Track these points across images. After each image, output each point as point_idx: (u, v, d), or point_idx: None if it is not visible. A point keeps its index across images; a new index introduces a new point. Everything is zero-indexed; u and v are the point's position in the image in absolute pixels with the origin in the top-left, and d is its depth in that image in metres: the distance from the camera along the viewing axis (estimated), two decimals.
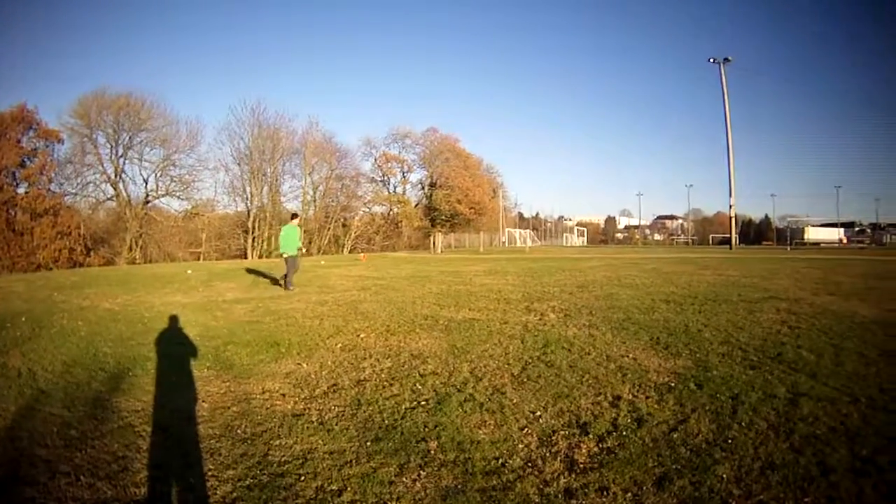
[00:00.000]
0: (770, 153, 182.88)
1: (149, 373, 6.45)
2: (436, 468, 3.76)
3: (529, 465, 3.87)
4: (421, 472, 3.72)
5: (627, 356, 6.89)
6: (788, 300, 11.89)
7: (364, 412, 4.95)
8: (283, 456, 4.07)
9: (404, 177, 74.10)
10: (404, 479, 3.64)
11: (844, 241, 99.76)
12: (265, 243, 54.84)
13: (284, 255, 15.43)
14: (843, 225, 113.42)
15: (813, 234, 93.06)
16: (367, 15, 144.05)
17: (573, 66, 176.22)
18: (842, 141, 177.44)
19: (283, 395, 5.59)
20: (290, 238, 15.69)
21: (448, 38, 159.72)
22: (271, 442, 4.35)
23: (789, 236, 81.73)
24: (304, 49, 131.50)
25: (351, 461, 3.90)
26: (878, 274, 18.94)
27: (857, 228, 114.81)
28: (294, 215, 17.01)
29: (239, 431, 4.63)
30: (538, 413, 4.91)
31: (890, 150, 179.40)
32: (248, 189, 55.59)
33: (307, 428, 4.62)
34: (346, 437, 4.36)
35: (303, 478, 3.72)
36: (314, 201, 63.48)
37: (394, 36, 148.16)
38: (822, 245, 76.31)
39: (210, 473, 3.88)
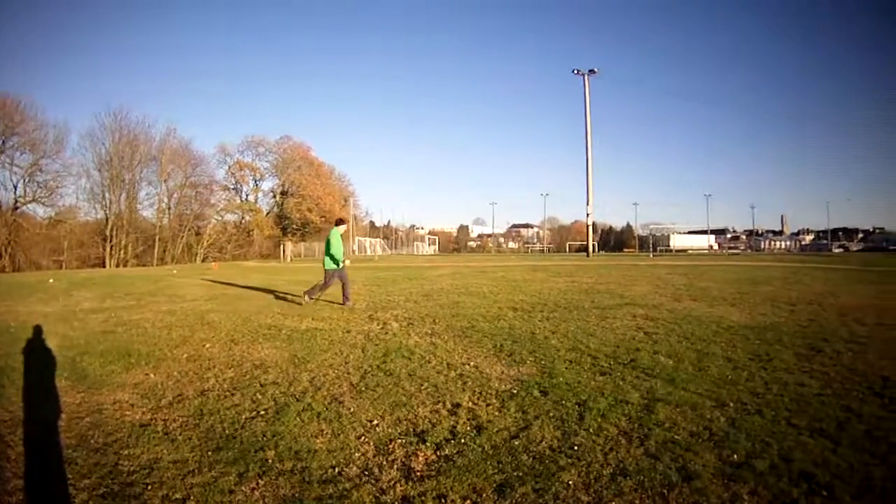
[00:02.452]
0: (634, 162, 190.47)
1: (14, 383, 6.14)
2: (273, 477, 3.72)
3: (366, 473, 3.83)
4: (259, 480, 3.68)
5: (469, 364, 6.91)
6: (646, 306, 12.15)
7: (206, 422, 4.80)
8: (132, 465, 3.93)
9: (256, 185, 74.59)
10: (243, 488, 3.57)
11: (716, 247, 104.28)
12: (122, 252, 53.63)
13: (337, 266, 13.20)
14: (714, 232, 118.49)
15: (679, 241, 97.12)
16: (236, 16, 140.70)
17: (428, 72, 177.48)
18: (717, 149, 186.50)
19: (132, 405, 5.36)
20: (339, 246, 13.47)
21: (306, 38, 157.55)
22: (121, 452, 4.19)
23: (652, 243, 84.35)
24: (171, 49, 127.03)
25: (194, 470, 3.79)
26: (751, 279, 19.97)
27: (729, 235, 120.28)
28: (341, 221, 14.36)
29: (92, 441, 4.48)
30: (375, 422, 4.87)
31: (761, 157, 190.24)
32: (107, 196, 54.02)
33: (153, 438, 4.45)
34: (189, 446, 4.23)
35: (150, 487, 3.60)
36: (169, 209, 61.74)
37: (250, 36, 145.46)
38: (689, 252, 78.88)
39: (70, 482, 3.77)
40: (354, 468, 3.90)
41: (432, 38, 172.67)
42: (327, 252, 13.25)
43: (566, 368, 6.64)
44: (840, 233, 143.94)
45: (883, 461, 4.02)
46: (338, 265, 13.20)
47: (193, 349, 7.88)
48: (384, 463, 4.00)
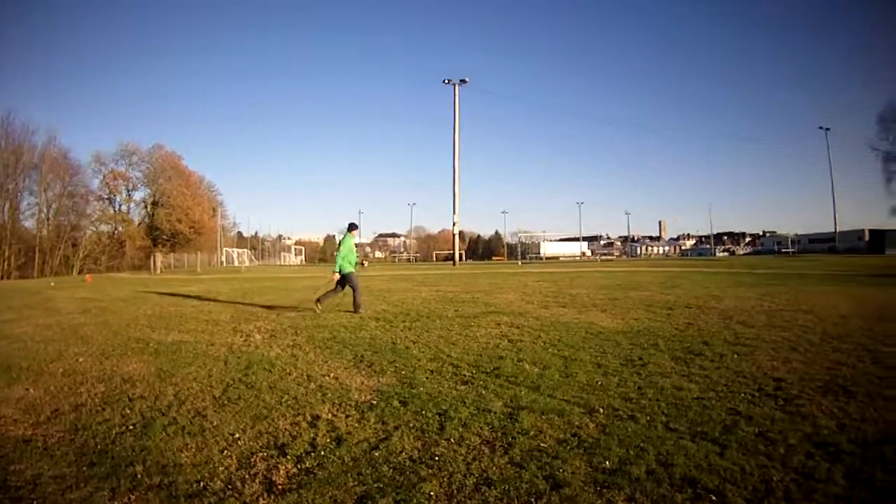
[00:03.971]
0: (504, 170, 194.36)
1: None
2: (143, 492, 3.75)
3: (230, 487, 3.85)
4: (131, 495, 3.70)
5: (329, 375, 6.99)
6: (512, 314, 12.45)
7: (81, 437, 4.85)
8: (18, 481, 3.97)
9: (129, 195, 73.93)
10: (116, 503, 3.64)
11: (589, 254, 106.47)
12: (6, 263, 52.48)
13: (343, 273, 13.39)
14: (587, 239, 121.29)
15: (550, 248, 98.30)
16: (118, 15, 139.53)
17: (296, 74, 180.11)
18: (590, 157, 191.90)
19: (15, 420, 5.38)
20: (351, 252, 13.80)
21: (178, 36, 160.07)
22: (8, 467, 4.22)
23: (522, 251, 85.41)
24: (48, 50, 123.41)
25: (72, 485, 3.84)
26: (625, 284, 20.54)
27: (603, 241, 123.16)
28: (353, 226, 14.36)
29: None
30: (237, 435, 4.88)
31: (638, 164, 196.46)
32: None
33: (35, 453, 4.49)
34: (67, 461, 4.28)
35: (34, 502, 3.67)
36: (48, 219, 60.34)
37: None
38: (560, 259, 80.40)
39: None
40: (219, 482, 3.93)
41: (305, 37, 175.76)
42: (340, 256, 13.41)
43: (427, 378, 6.75)
44: (725, 237, 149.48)
45: (784, 464, 4.08)
46: (340, 270, 13.31)
47: (68, 363, 7.88)
48: (247, 477, 4.01)
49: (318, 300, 13.59)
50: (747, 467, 4.01)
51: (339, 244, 13.93)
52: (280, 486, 3.85)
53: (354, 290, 13.37)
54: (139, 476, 4.01)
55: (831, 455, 4.22)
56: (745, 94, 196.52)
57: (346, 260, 13.42)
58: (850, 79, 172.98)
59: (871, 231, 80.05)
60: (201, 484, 3.89)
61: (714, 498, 3.56)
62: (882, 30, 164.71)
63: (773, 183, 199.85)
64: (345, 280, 13.41)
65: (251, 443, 4.69)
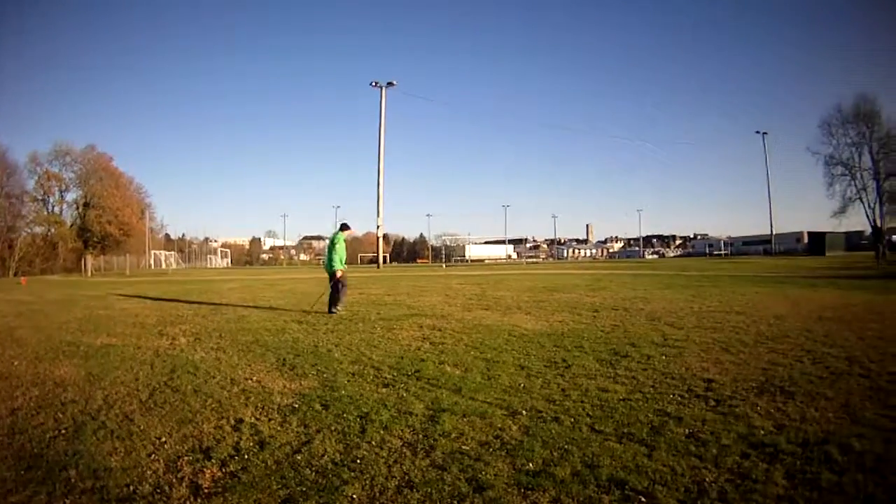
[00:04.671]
0: (429, 174, 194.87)
1: None
2: (77, 496, 3.81)
3: (158, 491, 3.87)
4: (66, 500, 3.76)
5: (252, 379, 7.09)
6: (434, 316, 12.71)
7: (18, 441, 4.95)
8: None
9: (62, 196, 72.73)
10: None
11: (515, 257, 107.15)
12: None
13: (334, 270, 13.94)
14: (512, 241, 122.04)
15: (475, 251, 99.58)
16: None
17: (220, 73, 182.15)
18: (517, 162, 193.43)
19: None
20: (342, 251, 14.23)
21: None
22: None
23: (446, 254, 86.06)
24: None
25: (12, 489, 3.92)
26: (550, 287, 20.83)
27: (529, 244, 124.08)
28: (345, 226, 14.91)
29: None
30: (164, 439, 4.92)
31: (566, 167, 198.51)
32: None
33: None
34: (6, 465, 4.36)
35: None
36: None
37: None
38: (485, 262, 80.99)
39: None
40: (147, 486, 3.96)
41: (229, 37, 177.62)
42: (331, 256, 14.02)
43: (348, 381, 6.85)
44: (654, 239, 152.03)
45: (717, 465, 4.11)
46: (333, 268, 13.92)
47: (4, 366, 8.01)
48: (174, 480, 4.04)
49: (331, 305, 13.86)
50: (678, 468, 4.06)
51: (333, 244, 14.23)
52: (206, 490, 3.88)
53: (342, 288, 13.97)
54: (73, 480, 4.06)
55: (769, 455, 4.28)
56: (684, 99, 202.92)
57: (339, 259, 13.94)
58: (788, 83, 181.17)
59: (810, 233, 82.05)
60: (131, 488, 3.93)
61: (644, 499, 3.61)
62: (823, 35, 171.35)
63: (709, 187, 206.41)
64: (332, 276, 13.93)
65: (177, 446, 4.74)
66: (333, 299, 13.86)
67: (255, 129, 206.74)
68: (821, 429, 4.85)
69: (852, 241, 72.66)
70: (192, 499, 3.77)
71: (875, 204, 65.49)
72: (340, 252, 14.06)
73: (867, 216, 65.99)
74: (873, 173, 66.32)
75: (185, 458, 4.49)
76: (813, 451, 4.36)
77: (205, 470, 4.23)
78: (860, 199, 66.75)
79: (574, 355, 8.08)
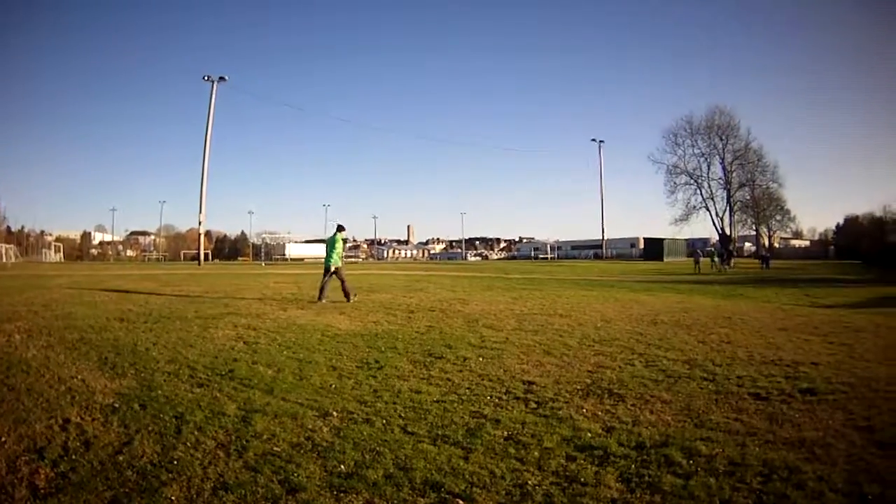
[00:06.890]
0: (252, 170, 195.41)
1: None
2: None
3: (3, 492, 3.85)
4: None
5: (77, 377, 6.97)
6: (250, 316, 12.89)
7: None
8: None
9: None
10: None
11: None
12: None
13: (334, 267, 16.32)
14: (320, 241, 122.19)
15: (296, 249, 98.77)
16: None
17: (51, 70, 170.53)
18: (337, 161, 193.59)
19: None
20: (341, 249, 16.90)
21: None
22: None
23: (266, 252, 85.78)
24: None
25: None
26: (367, 287, 21.96)
27: (350, 244, 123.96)
28: (341, 227, 17.11)
29: None
30: (3, 438, 4.82)
31: (387, 168, 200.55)
32: None
33: None
34: None
35: None
36: None
37: None
38: (305, 261, 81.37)
39: None
40: None
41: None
42: (330, 254, 16.48)
43: (165, 381, 6.86)
44: (478, 241, 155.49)
45: (540, 468, 4.22)
46: (332, 264, 16.36)
47: None
48: (15, 481, 4.01)
49: (347, 296, 16.05)
50: (497, 471, 4.13)
51: (333, 244, 16.60)
52: (43, 491, 3.89)
53: (343, 282, 16.29)
54: None
55: (599, 458, 4.37)
56: (519, 102, 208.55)
57: (338, 256, 16.52)
58: (629, 93, 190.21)
59: (647, 239, 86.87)
60: None
61: (461, 502, 3.66)
62: (668, 45, 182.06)
63: (539, 192, 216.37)
64: (328, 271, 16.40)
65: (15, 446, 4.68)
66: (323, 290, 16.24)
67: (85, 120, 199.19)
68: (658, 431, 4.99)
69: (695, 247, 76.47)
70: (31, 499, 3.81)
71: (724, 212, 69.86)
72: (339, 250, 16.68)
73: (714, 224, 70.40)
74: (724, 183, 70.64)
75: (23, 458, 4.48)
76: (650, 454, 4.47)
77: (40, 470, 4.25)
78: (706, 207, 71.01)
79: (387, 356, 8.30)
